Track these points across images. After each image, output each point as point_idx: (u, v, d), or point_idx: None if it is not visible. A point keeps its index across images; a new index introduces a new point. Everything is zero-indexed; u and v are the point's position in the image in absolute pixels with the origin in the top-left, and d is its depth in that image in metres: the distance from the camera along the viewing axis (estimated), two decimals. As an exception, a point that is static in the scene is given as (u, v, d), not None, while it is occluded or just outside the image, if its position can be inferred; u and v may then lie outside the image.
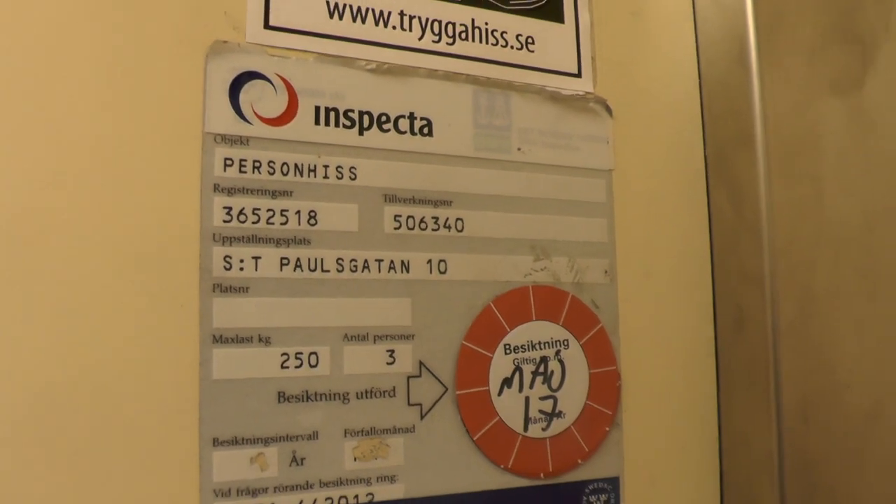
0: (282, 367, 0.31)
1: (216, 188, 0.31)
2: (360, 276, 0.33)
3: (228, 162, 0.31)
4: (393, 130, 0.35)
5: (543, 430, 0.36)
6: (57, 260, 0.28)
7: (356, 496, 0.32)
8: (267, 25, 0.33)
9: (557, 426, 0.36)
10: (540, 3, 0.39)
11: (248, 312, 0.31)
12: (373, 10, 0.35)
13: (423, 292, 0.34)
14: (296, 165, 0.33)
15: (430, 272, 0.35)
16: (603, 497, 0.37)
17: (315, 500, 0.31)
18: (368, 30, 0.35)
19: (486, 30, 0.38)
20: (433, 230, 0.35)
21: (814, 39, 0.39)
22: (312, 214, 0.33)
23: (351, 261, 0.33)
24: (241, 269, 0.31)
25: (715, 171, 0.42)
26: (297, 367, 0.31)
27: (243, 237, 0.31)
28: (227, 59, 0.32)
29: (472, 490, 0.34)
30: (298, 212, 0.32)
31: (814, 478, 0.37)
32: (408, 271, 0.34)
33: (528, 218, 0.37)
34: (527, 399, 0.36)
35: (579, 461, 0.37)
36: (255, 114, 0.32)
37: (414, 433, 0.33)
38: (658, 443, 0.39)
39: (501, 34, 0.38)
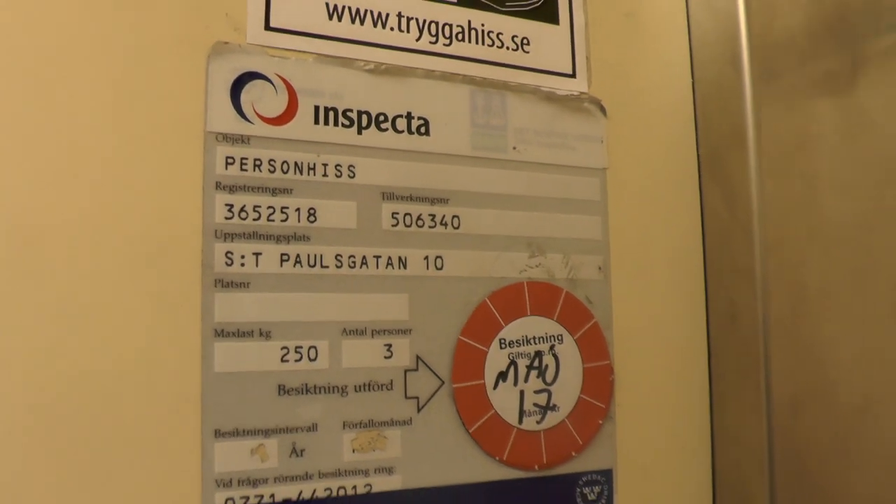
0: (282, 360, 0.32)
1: (218, 186, 0.32)
2: (358, 272, 0.34)
3: (230, 160, 0.32)
4: (391, 130, 0.35)
5: (538, 422, 0.36)
6: (62, 256, 0.29)
7: (354, 487, 0.32)
8: (267, 27, 0.33)
9: (552, 419, 0.37)
10: (535, 5, 0.39)
11: (248, 307, 0.31)
12: (371, 12, 0.36)
13: (420, 288, 0.35)
14: (296, 164, 0.33)
15: (427, 268, 0.35)
16: (596, 489, 0.37)
17: (314, 491, 0.31)
18: (367, 31, 0.35)
19: (483, 31, 0.38)
20: (430, 227, 0.35)
21: (805, 41, 0.40)
22: (312, 211, 0.33)
23: (349, 257, 0.33)
24: (243, 264, 0.31)
25: (708, 170, 0.43)
26: (296, 360, 0.32)
27: (244, 234, 0.32)
28: (228, 60, 0.32)
29: (467, 482, 0.34)
30: (298, 209, 0.33)
31: (803, 470, 0.38)
32: (405, 267, 0.35)
33: (523, 215, 0.37)
34: (521, 392, 0.36)
35: (573, 453, 0.37)
36: (256, 113, 0.33)
37: (411, 426, 0.34)
38: (651, 436, 0.39)
39: (497, 35, 0.38)
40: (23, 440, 0.27)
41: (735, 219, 0.41)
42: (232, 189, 0.32)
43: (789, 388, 0.38)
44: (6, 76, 0.29)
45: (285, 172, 0.33)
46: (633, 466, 0.38)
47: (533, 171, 0.38)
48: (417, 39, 0.36)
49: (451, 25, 0.37)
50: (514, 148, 0.38)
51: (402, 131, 0.35)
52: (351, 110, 0.34)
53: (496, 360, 0.36)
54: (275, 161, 0.33)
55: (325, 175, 0.34)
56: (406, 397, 0.34)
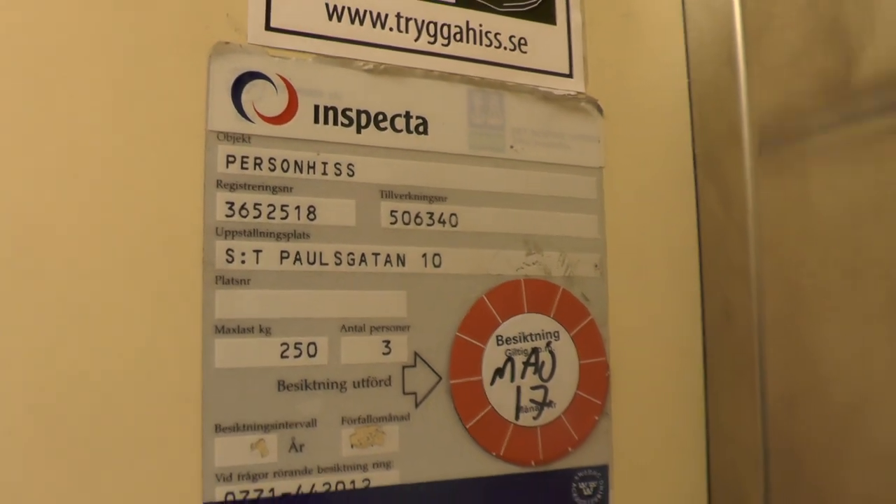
0: (281, 356, 0.32)
1: (219, 184, 0.32)
2: (357, 270, 0.34)
3: (231, 159, 0.32)
4: (390, 129, 0.35)
5: (534, 418, 0.37)
6: (65, 254, 0.29)
7: (353, 482, 0.32)
8: (268, 27, 0.33)
9: (548, 415, 0.37)
10: (533, 6, 0.40)
11: (249, 304, 0.32)
12: (370, 13, 0.36)
13: (418, 285, 0.35)
14: (296, 162, 0.33)
15: (425, 266, 0.35)
16: (592, 484, 0.38)
17: (313, 486, 0.32)
18: (366, 31, 0.36)
19: (481, 31, 0.38)
20: (428, 225, 0.36)
21: (800, 41, 0.40)
22: (311, 209, 0.33)
23: (349, 254, 0.34)
24: (243, 262, 0.32)
25: (703, 169, 0.43)
26: (296, 356, 0.32)
27: (245, 231, 0.32)
28: (229, 60, 0.33)
29: (464, 477, 0.35)
30: (298, 207, 0.33)
31: (798, 467, 0.38)
32: (403, 265, 0.35)
33: (520, 214, 0.38)
34: (518, 389, 0.37)
35: (569, 449, 0.37)
36: (257, 112, 0.33)
37: (409, 421, 0.34)
38: (646, 432, 0.40)
39: (495, 35, 0.39)
40: (23, 438, 0.28)
41: (730, 218, 0.41)
42: (233, 187, 0.32)
43: (784, 386, 0.38)
44: (6, 76, 0.29)
45: (285, 171, 0.33)
46: (629, 462, 0.39)
47: (530, 170, 0.38)
48: (416, 39, 0.37)
49: (449, 26, 0.37)
50: (512, 147, 0.38)
51: (401, 130, 0.36)
52: (350, 110, 0.35)
53: (493, 356, 0.36)
54: (275, 159, 0.33)
55: (324, 173, 0.34)
56: (404, 393, 0.34)
